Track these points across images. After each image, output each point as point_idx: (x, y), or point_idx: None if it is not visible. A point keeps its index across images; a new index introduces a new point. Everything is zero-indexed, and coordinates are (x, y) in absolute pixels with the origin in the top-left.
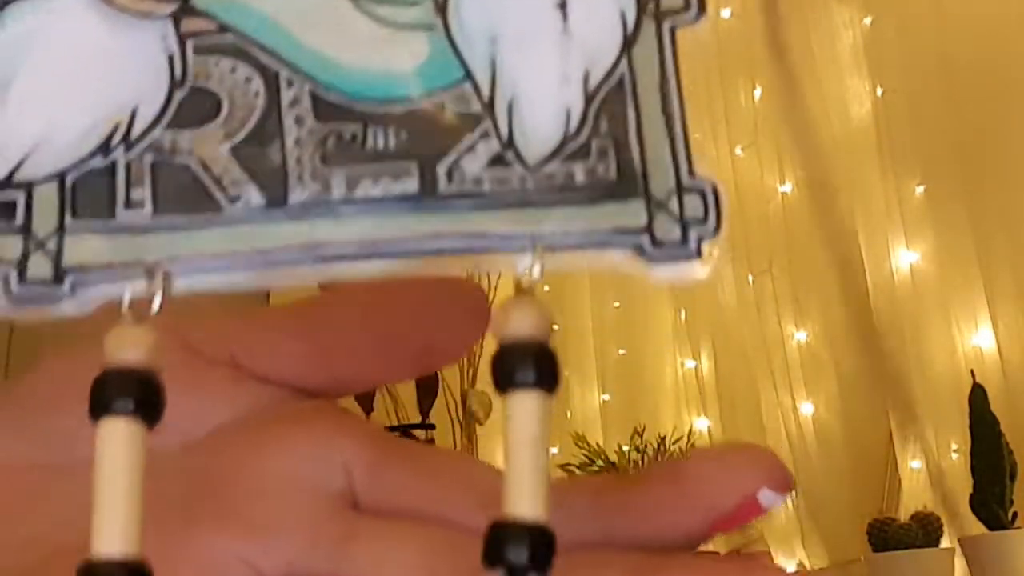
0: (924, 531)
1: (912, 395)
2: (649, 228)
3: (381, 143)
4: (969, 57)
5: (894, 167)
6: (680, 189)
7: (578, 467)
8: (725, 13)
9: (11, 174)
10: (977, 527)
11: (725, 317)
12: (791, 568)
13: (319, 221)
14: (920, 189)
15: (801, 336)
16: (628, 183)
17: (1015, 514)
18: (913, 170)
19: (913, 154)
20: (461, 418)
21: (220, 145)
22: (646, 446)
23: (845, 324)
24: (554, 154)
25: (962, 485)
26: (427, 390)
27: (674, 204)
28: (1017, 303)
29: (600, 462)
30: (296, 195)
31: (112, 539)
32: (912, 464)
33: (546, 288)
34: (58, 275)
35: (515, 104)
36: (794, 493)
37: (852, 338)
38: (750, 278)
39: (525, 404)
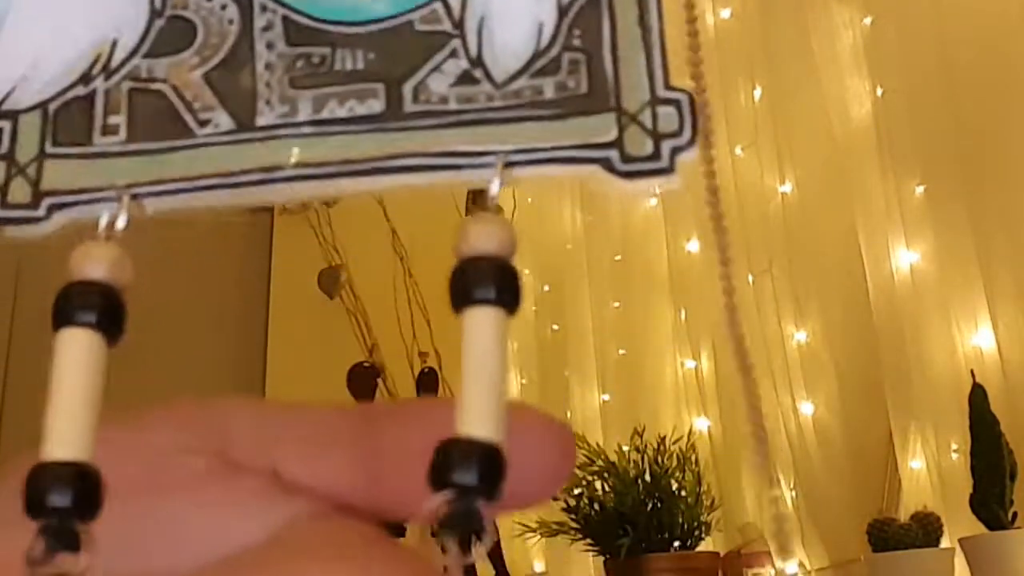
0: (924, 531)
1: (912, 395)
2: (619, 142)
3: (349, 65)
4: (969, 57)
5: (894, 167)
6: (655, 101)
7: (578, 467)
8: (725, 13)
9: None
10: (977, 527)
11: (725, 317)
12: (791, 568)
13: (285, 143)
14: (920, 189)
15: (801, 336)
16: (599, 97)
17: (1015, 514)
18: (913, 170)
19: (913, 154)
20: None
21: (193, 71)
22: (646, 446)
23: (845, 324)
24: (523, 70)
25: (962, 485)
26: (427, 391)
27: (647, 117)
28: (1017, 303)
29: (600, 462)
30: (264, 118)
31: (63, 444)
32: (912, 464)
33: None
34: (36, 199)
35: (486, 20)
36: (794, 493)
37: (852, 338)
38: (750, 278)
39: (483, 320)
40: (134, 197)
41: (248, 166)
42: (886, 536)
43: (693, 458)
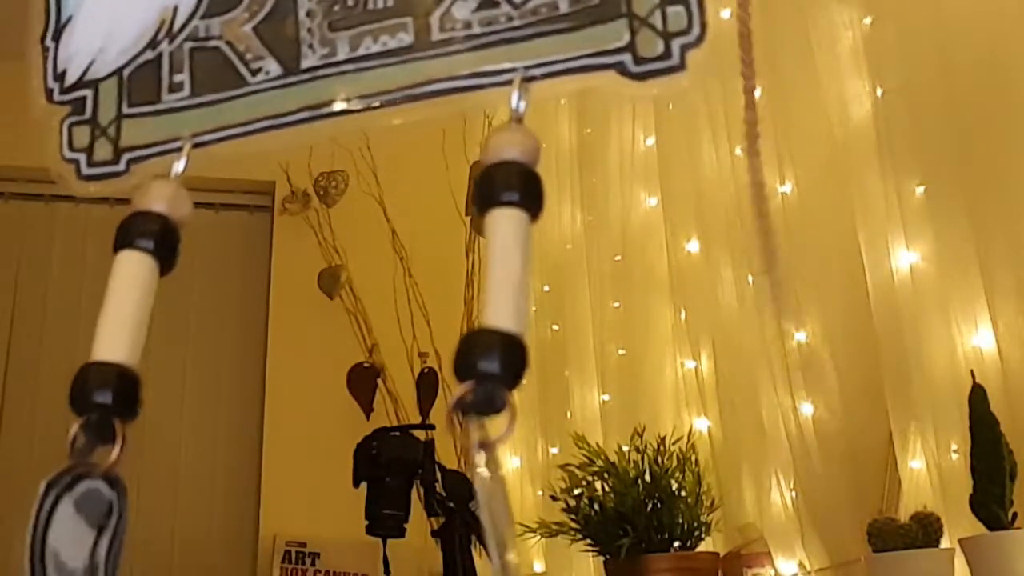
0: (924, 531)
1: (912, 395)
2: (631, 46)
3: (380, 3)
4: (969, 57)
5: (894, 167)
6: (664, 2)
7: (578, 467)
8: (725, 13)
9: (82, 76)
10: (977, 527)
11: (725, 317)
12: (791, 568)
13: (327, 82)
14: (920, 189)
15: (801, 336)
16: (611, 5)
17: (1015, 514)
18: (913, 170)
19: (913, 154)
20: (461, 418)
21: (244, 26)
22: (646, 446)
23: (845, 324)
24: None
25: (962, 485)
26: (427, 390)
27: (657, 18)
28: (1017, 303)
29: (600, 462)
30: (308, 60)
31: (110, 348)
32: (912, 464)
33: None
34: (116, 155)
35: None
36: (794, 493)
37: (852, 338)
38: (750, 278)
39: (507, 220)
40: (197, 145)
41: (296, 107)
42: (886, 536)
43: (693, 458)
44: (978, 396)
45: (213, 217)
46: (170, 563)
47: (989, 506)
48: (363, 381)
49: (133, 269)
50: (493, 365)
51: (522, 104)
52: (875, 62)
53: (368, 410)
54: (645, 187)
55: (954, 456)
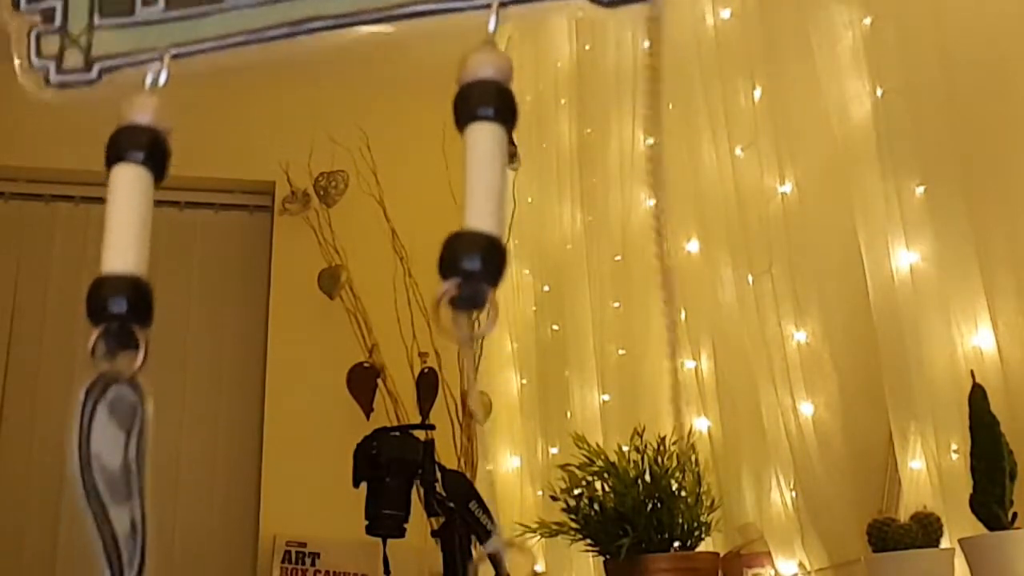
0: (924, 531)
1: (912, 395)
2: None
3: None
4: (969, 57)
5: (894, 167)
6: None
7: (578, 467)
8: (725, 13)
9: None
10: (977, 527)
11: (725, 317)
12: (791, 568)
13: (307, 0)
14: (920, 189)
15: (801, 336)
16: None
17: (1015, 514)
18: (913, 170)
19: (913, 154)
20: (461, 418)
21: None
22: (646, 446)
23: (845, 324)
24: None
25: (962, 485)
26: (427, 391)
27: None
28: (1017, 303)
29: (600, 462)
30: None
31: (120, 260)
32: (912, 464)
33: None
34: (88, 64)
35: None
36: (794, 493)
37: (852, 338)
38: (750, 278)
39: (484, 132)
40: (175, 56)
41: (274, 22)
42: (886, 536)
43: (693, 458)
44: (978, 396)
45: (213, 217)
46: (170, 563)
47: (989, 506)
48: (363, 381)
49: (130, 181)
50: (475, 264)
51: (494, 28)
52: (875, 62)
53: (368, 410)
54: (645, 187)
55: (954, 456)
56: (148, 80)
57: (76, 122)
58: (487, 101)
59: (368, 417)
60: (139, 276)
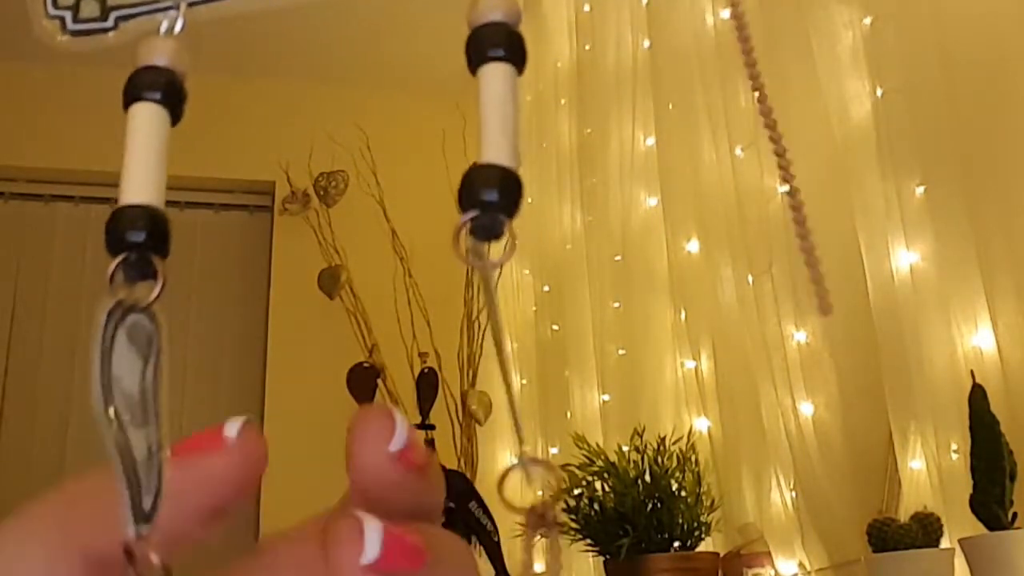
0: (924, 531)
1: (912, 395)
2: None
3: None
4: (969, 57)
5: (894, 167)
6: None
7: (578, 467)
8: (725, 13)
9: None
10: (977, 527)
11: (725, 317)
12: (791, 568)
13: None
14: (920, 189)
15: (801, 336)
16: None
17: (1015, 514)
18: (913, 170)
19: (913, 154)
20: (461, 418)
21: None
22: (646, 446)
23: (845, 324)
24: None
25: (962, 485)
26: (427, 391)
27: None
28: (1017, 303)
29: (600, 462)
30: None
31: (137, 192)
32: (912, 464)
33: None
34: (104, 13)
35: None
36: (794, 493)
37: (852, 338)
38: (750, 278)
39: (497, 72)
40: (191, 4)
41: None
42: (886, 536)
43: (693, 458)
44: (978, 396)
45: (213, 217)
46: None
47: (989, 506)
48: (363, 381)
49: (148, 118)
50: (493, 195)
51: None
52: (875, 62)
53: None
54: (645, 187)
55: (954, 456)
56: (163, 27)
57: (76, 122)
58: (498, 43)
59: None
60: (157, 207)
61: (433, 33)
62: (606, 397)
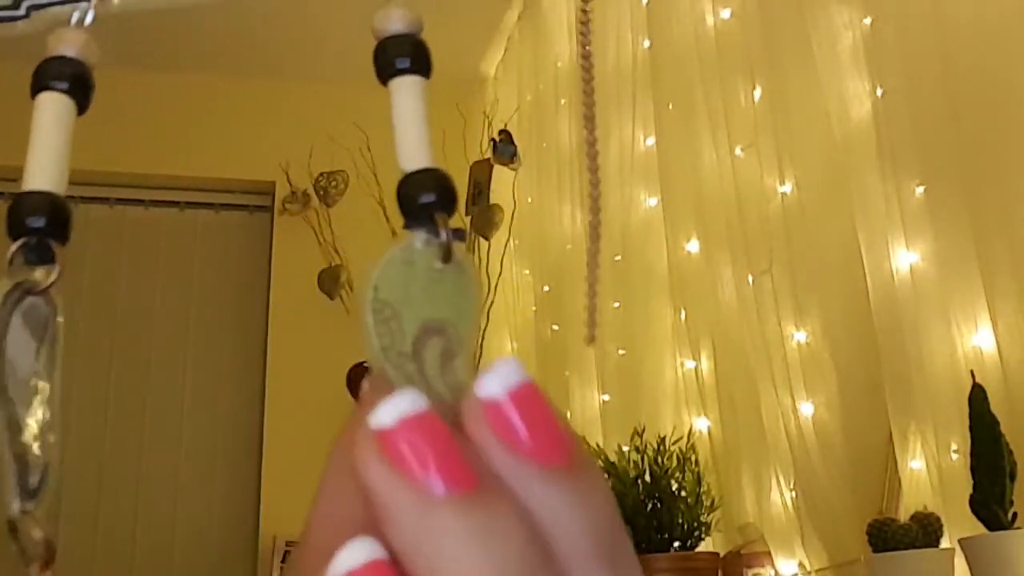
0: (924, 531)
1: (912, 395)
2: None
3: None
4: (969, 57)
5: (894, 167)
6: None
7: None
8: (725, 13)
9: None
10: (977, 527)
11: (725, 317)
12: (791, 568)
13: None
14: (920, 189)
15: (801, 336)
16: None
17: (1015, 514)
18: (913, 170)
19: (913, 154)
20: None
21: None
22: (646, 446)
23: (845, 324)
24: None
25: (962, 485)
26: None
27: None
28: (1017, 303)
29: (600, 462)
30: None
31: (40, 179)
32: (912, 464)
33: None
34: (16, 3)
35: None
36: (794, 493)
37: (852, 338)
38: (750, 278)
39: (408, 84)
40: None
41: None
42: (886, 536)
43: (693, 458)
44: (978, 396)
45: (213, 217)
46: (170, 563)
47: (989, 506)
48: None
49: (54, 108)
50: (430, 196)
51: None
52: (875, 62)
53: None
54: (645, 187)
55: (954, 456)
56: (74, 18)
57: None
58: (404, 54)
59: None
60: (58, 194)
61: (433, 34)
62: (606, 397)
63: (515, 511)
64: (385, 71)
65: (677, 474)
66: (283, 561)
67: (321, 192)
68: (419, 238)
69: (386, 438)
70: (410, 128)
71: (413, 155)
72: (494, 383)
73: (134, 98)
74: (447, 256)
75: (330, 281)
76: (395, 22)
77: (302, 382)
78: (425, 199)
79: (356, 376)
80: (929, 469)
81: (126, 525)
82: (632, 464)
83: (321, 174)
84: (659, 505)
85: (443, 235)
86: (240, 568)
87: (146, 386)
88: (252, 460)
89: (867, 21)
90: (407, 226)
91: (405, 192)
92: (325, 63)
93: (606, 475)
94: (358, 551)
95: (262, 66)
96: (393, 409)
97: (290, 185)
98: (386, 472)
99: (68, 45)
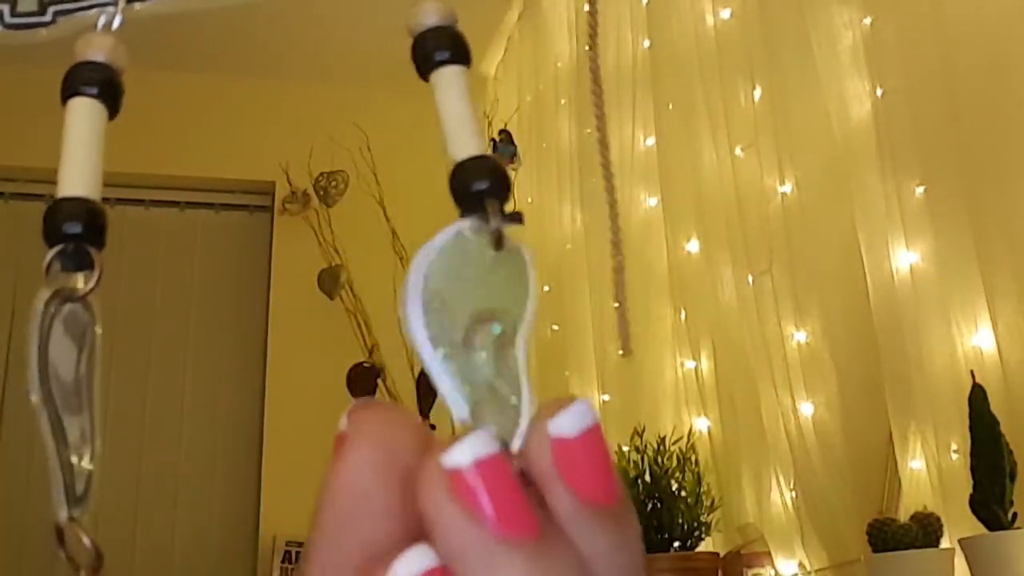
0: (924, 531)
1: (912, 395)
2: None
3: None
4: (969, 57)
5: (894, 167)
6: None
7: None
8: (725, 13)
9: None
10: (977, 527)
11: (725, 317)
12: (791, 568)
13: None
14: (920, 189)
15: (801, 336)
16: None
17: (1015, 514)
18: (913, 170)
19: (913, 154)
20: None
21: None
22: (646, 446)
23: (845, 324)
24: None
25: (962, 485)
26: (427, 391)
27: None
28: (1017, 303)
29: None
30: None
31: (75, 185)
32: (912, 464)
33: (546, 288)
34: (42, 7)
35: None
36: (794, 493)
37: (852, 338)
38: (750, 278)
39: (450, 74)
40: (129, 1)
41: None
42: (886, 536)
43: (693, 458)
44: (978, 396)
45: (213, 217)
46: (170, 563)
47: (989, 506)
48: (363, 381)
49: (86, 114)
50: (484, 184)
51: None
52: (875, 62)
53: None
54: (645, 187)
55: (954, 456)
56: (100, 22)
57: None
58: (443, 46)
59: None
60: (94, 200)
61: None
62: (606, 397)
63: (573, 559)
64: (425, 65)
65: (677, 474)
66: (283, 561)
67: (321, 192)
68: (469, 225)
69: (459, 479)
70: (458, 117)
71: (464, 143)
72: (567, 423)
73: (134, 98)
74: (499, 243)
75: (330, 281)
76: (430, 15)
77: (302, 382)
78: (478, 186)
79: (356, 376)
80: (929, 469)
81: (126, 525)
82: (632, 464)
83: (321, 174)
84: (659, 505)
85: (494, 222)
86: (240, 568)
87: (146, 386)
88: (252, 460)
89: (867, 21)
90: (462, 214)
91: (458, 180)
92: (325, 63)
93: None
94: (416, 561)
95: (262, 66)
96: (468, 450)
97: (290, 185)
98: (458, 513)
99: (96, 50)
